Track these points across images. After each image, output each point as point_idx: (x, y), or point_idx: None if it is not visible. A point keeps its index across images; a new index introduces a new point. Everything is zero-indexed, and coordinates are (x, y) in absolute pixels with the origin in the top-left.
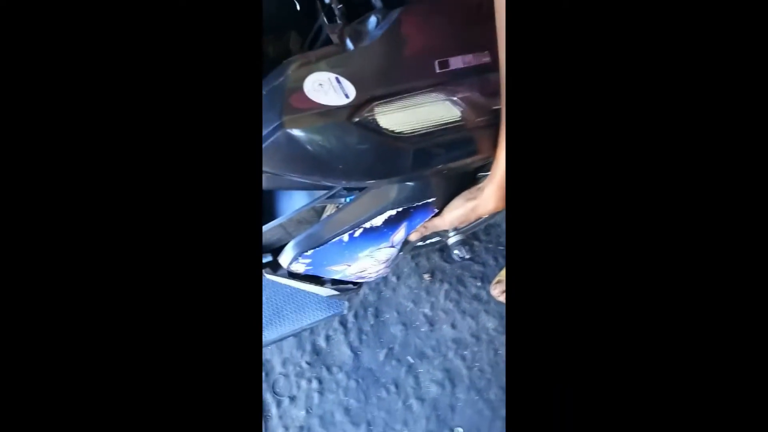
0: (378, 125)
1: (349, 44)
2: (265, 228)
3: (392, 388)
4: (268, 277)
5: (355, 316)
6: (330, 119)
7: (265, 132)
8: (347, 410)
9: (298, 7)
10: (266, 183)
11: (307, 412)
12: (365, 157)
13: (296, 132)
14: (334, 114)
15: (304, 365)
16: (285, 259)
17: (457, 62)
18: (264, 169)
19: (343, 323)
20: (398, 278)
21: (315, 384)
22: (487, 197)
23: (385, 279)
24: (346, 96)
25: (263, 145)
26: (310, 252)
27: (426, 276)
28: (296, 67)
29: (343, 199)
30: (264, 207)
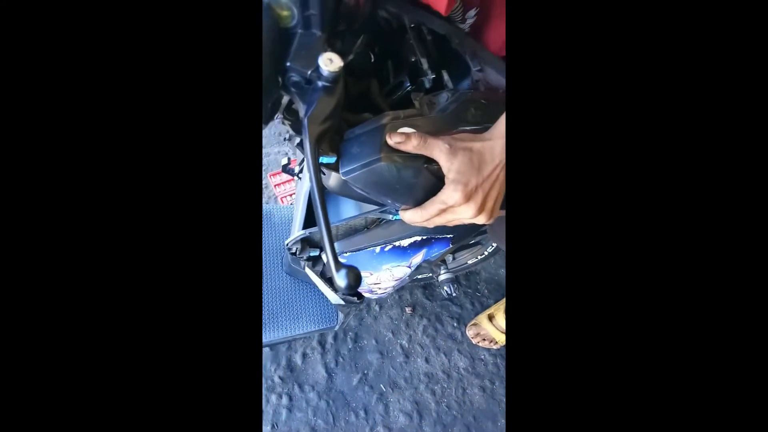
0: (439, 174)
1: (425, 109)
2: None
3: (361, 414)
4: (306, 271)
5: (335, 338)
6: (412, 161)
7: (366, 161)
8: (314, 430)
9: (373, 59)
10: (341, 191)
11: (273, 427)
12: (425, 192)
13: (387, 165)
14: (415, 159)
15: (277, 380)
16: None
17: None
18: (356, 187)
19: (322, 344)
20: (381, 308)
21: (285, 400)
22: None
23: (368, 306)
24: None
25: (362, 171)
26: (348, 253)
27: (408, 309)
28: (390, 119)
29: (390, 216)
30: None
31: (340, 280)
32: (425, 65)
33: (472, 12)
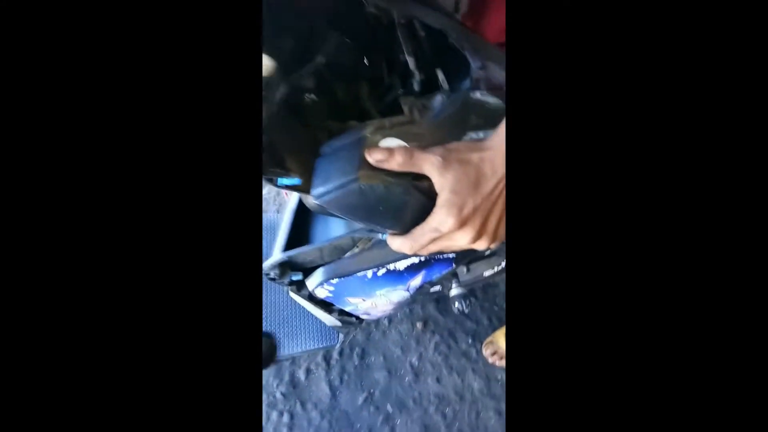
0: (432, 192)
1: (416, 115)
2: (305, 249)
3: None
4: (291, 295)
5: (340, 354)
6: (397, 179)
7: (341, 182)
8: None
9: (367, 62)
10: (320, 210)
11: None
12: (414, 215)
13: (366, 185)
14: (401, 176)
15: (278, 396)
16: (312, 281)
17: None
18: (333, 211)
19: (327, 359)
20: (390, 322)
21: (286, 418)
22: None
23: (376, 320)
24: None
25: (336, 193)
26: (335, 280)
27: (418, 324)
28: (373, 130)
29: (379, 235)
30: (305, 230)
31: None
32: (412, 65)
33: None
